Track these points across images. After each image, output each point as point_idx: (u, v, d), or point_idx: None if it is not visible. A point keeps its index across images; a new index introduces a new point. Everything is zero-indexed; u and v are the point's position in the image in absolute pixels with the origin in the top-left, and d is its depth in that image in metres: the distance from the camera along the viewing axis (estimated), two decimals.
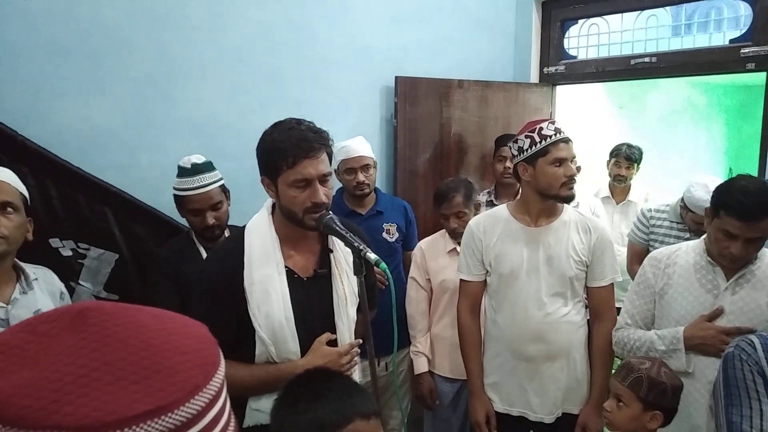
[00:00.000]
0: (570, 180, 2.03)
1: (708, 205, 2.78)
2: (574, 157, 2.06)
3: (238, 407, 1.61)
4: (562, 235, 2.09)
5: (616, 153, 3.81)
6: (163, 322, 0.52)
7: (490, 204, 3.00)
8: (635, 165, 3.75)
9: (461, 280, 2.26)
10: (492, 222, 2.18)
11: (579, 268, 2.08)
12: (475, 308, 2.26)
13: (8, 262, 1.60)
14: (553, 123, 2.07)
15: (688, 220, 2.89)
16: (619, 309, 2.11)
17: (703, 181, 2.85)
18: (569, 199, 2.07)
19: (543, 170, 2.03)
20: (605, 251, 2.11)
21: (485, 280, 2.22)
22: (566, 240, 2.08)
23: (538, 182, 2.05)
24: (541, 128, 2.05)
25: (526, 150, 2.06)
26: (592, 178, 3.97)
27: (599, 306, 2.14)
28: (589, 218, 2.20)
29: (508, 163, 2.97)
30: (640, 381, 1.61)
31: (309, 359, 1.57)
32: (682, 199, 2.90)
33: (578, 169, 3.47)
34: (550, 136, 2.03)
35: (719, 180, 2.87)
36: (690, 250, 1.93)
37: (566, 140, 2.04)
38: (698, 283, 1.85)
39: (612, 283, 2.14)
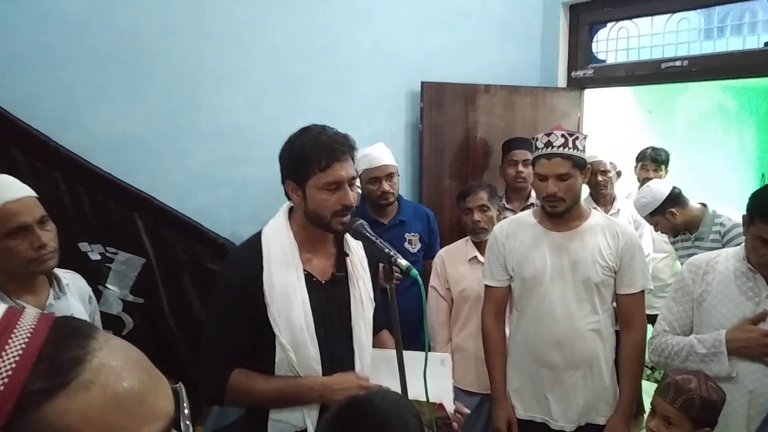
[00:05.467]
0: (548, 198, 1.99)
1: (639, 207, 2.99)
2: (563, 175, 1.95)
3: (261, 420, 1.61)
4: (588, 240, 2.03)
5: (641, 157, 3.77)
6: None
7: (502, 209, 2.97)
8: (662, 167, 3.67)
9: (486, 285, 2.23)
10: (516, 227, 2.16)
11: (606, 273, 2.02)
12: (499, 314, 2.22)
13: None
14: (548, 135, 1.99)
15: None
16: (654, 316, 2.05)
17: (649, 185, 3.03)
18: (551, 215, 2.05)
19: (534, 181, 2.11)
20: (634, 257, 2.04)
21: (510, 286, 2.18)
22: (592, 245, 2.03)
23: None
24: (537, 138, 2.03)
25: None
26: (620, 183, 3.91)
27: (628, 314, 2.08)
28: (618, 223, 2.15)
29: (521, 167, 2.95)
30: (691, 402, 1.57)
31: (332, 379, 1.57)
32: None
33: (618, 174, 3.46)
34: (539, 149, 2.01)
35: (665, 183, 3.00)
36: (730, 257, 1.88)
37: (549, 156, 1.97)
38: (738, 291, 1.79)
39: (642, 291, 2.07)
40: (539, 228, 2.10)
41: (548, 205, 2.01)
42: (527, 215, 2.19)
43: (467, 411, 1.70)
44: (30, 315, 0.51)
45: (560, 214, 2.02)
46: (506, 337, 2.24)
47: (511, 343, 2.20)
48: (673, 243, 3.14)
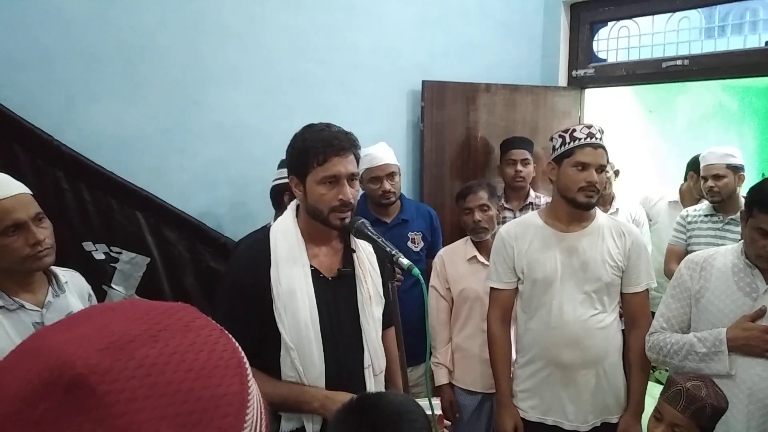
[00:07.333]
0: (589, 186, 1.98)
1: (723, 155, 2.94)
2: (603, 166, 2.01)
3: (271, 415, 1.61)
4: (597, 240, 2.06)
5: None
6: (183, 362, 0.46)
7: (501, 208, 2.97)
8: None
9: (491, 288, 2.22)
10: (523, 229, 2.15)
11: (615, 273, 2.05)
12: (505, 318, 2.21)
13: None
14: (589, 127, 2.03)
15: (704, 187, 2.99)
16: (653, 313, 2.06)
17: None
18: (586, 206, 2.03)
19: (565, 171, 2.03)
20: (640, 256, 2.07)
21: (516, 289, 2.19)
22: (601, 245, 2.05)
23: (559, 183, 2.06)
24: (574, 130, 2.04)
25: (556, 149, 2.07)
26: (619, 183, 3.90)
27: (635, 312, 2.10)
28: (623, 223, 2.17)
29: (520, 167, 2.95)
30: (703, 411, 1.57)
31: (335, 393, 1.56)
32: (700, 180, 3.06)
33: (616, 173, 3.42)
34: (580, 139, 2.01)
35: (737, 150, 2.98)
36: (728, 253, 1.88)
37: (595, 146, 2.00)
38: (736, 286, 1.80)
39: (647, 290, 2.10)
40: (548, 229, 2.11)
41: (585, 194, 1.99)
42: (533, 216, 2.20)
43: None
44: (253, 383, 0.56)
45: (591, 206, 2.04)
46: (511, 340, 2.24)
47: (520, 345, 2.20)
48: (687, 226, 3.05)
